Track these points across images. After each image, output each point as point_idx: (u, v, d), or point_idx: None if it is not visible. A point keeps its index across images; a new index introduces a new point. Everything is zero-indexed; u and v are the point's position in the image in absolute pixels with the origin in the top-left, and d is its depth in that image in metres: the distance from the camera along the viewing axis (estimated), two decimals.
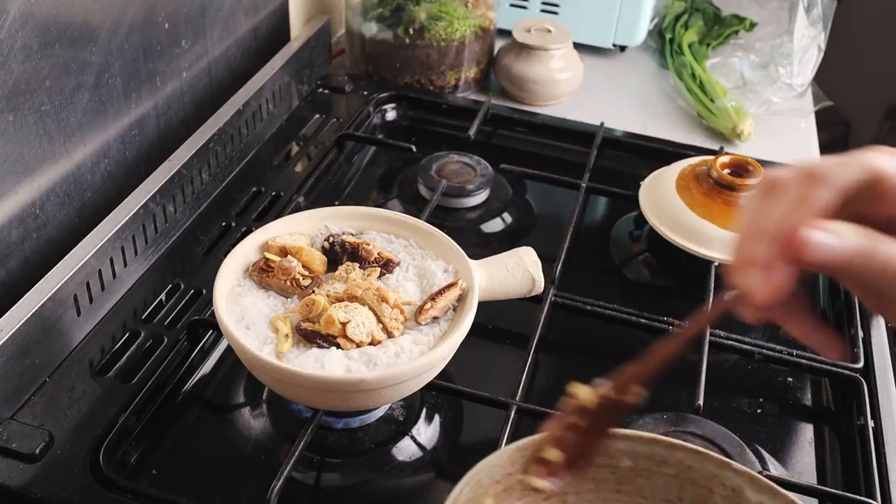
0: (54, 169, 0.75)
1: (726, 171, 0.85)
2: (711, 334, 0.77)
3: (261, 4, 1.05)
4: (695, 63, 1.22)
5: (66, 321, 0.71)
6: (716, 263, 0.84)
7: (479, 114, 1.06)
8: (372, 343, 0.64)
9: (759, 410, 0.76)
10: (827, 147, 1.37)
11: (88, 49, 0.76)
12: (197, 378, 0.74)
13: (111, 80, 0.80)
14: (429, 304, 0.66)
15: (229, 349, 0.75)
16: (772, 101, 1.18)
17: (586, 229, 0.97)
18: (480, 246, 0.92)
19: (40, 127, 0.72)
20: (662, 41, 1.32)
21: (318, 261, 0.71)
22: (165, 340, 0.74)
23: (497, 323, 0.81)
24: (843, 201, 0.39)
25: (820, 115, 1.22)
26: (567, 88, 1.19)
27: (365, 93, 1.12)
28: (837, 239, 0.38)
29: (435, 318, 0.66)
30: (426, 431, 0.71)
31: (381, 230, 0.75)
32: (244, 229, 0.88)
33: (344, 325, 0.63)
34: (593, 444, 0.53)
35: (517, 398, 0.70)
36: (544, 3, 1.29)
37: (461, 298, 0.68)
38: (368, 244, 0.71)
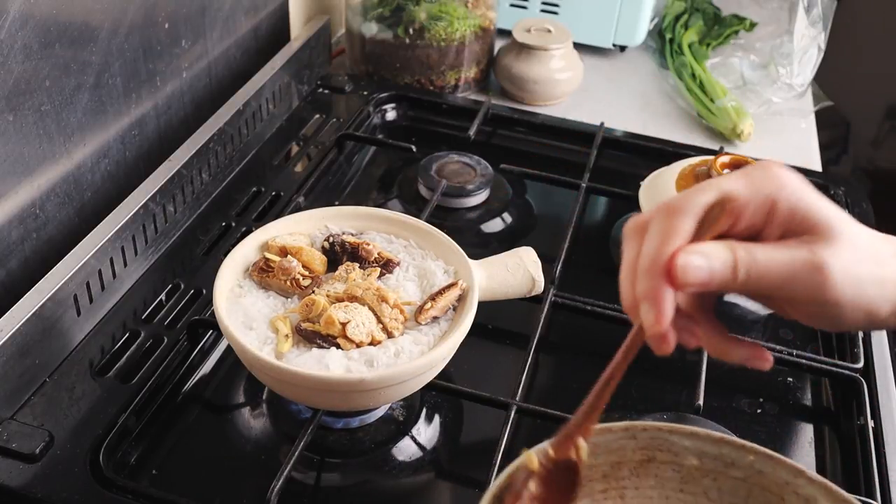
0: (54, 169, 0.75)
1: (726, 171, 0.85)
2: None
3: (261, 4, 1.05)
4: (695, 63, 1.22)
5: (66, 321, 0.71)
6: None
7: (479, 114, 1.06)
8: (372, 343, 0.64)
9: (759, 410, 0.76)
10: (827, 147, 1.37)
11: (88, 49, 0.76)
12: (197, 378, 0.74)
13: (111, 80, 0.80)
14: (429, 304, 0.66)
15: (229, 349, 0.75)
16: (772, 101, 1.18)
17: (586, 229, 0.97)
18: (480, 246, 0.92)
19: (40, 127, 0.72)
20: (662, 41, 1.32)
21: (318, 261, 0.71)
22: (165, 340, 0.74)
23: (497, 323, 0.81)
24: (705, 223, 0.44)
25: (820, 115, 1.22)
26: (567, 88, 1.19)
27: (365, 93, 1.12)
28: (705, 257, 0.43)
29: (435, 318, 0.66)
30: (426, 431, 0.71)
31: (381, 230, 0.75)
32: (244, 229, 0.88)
33: (344, 325, 0.63)
34: None
35: (517, 398, 0.70)
36: (544, 3, 1.29)
37: (461, 298, 0.68)
38: (368, 244, 0.71)
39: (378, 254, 0.71)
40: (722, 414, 0.74)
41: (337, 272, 0.69)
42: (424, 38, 1.12)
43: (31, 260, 0.74)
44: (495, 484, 0.49)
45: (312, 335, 0.64)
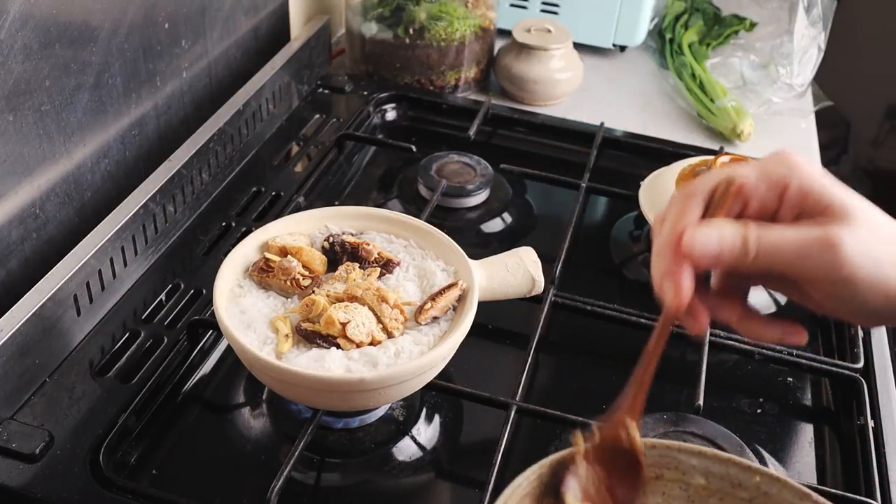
0: (54, 169, 0.75)
1: None
2: (711, 334, 0.77)
3: (261, 4, 1.05)
4: (695, 63, 1.22)
5: (66, 321, 0.71)
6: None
7: (479, 114, 1.06)
8: (372, 343, 0.64)
9: (759, 410, 0.76)
10: (827, 147, 1.37)
11: (88, 49, 0.76)
12: (197, 378, 0.74)
13: (111, 80, 0.80)
14: (429, 304, 0.66)
15: (229, 349, 0.75)
16: (772, 101, 1.18)
17: (586, 229, 0.97)
18: (480, 246, 0.92)
19: (40, 127, 0.72)
20: (662, 41, 1.32)
21: (318, 261, 0.71)
22: (165, 340, 0.74)
23: (497, 323, 0.81)
24: (713, 204, 0.46)
25: (820, 115, 1.22)
26: (567, 88, 1.19)
27: (365, 93, 1.12)
28: (713, 230, 0.44)
29: (435, 318, 0.66)
30: (426, 431, 0.71)
31: (381, 230, 0.75)
32: (244, 229, 0.88)
33: (344, 325, 0.63)
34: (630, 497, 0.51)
35: (517, 398, 0.70)
36: (544, 3, 1.29)
37: (461, 298, 0.68)
38: (368, 244, 0.71)
39: (378, 254, 0.71)
40: (722, 414, 0.74)
41: (337, 272, 0.69)
42: (424, 38, 1.12)
43: (31, 260, 0.74)
44: (547, 460, 0.50)
45: (312, 335, 0.64)
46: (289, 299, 0.68)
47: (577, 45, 1.22)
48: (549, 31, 1.17)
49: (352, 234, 0.73)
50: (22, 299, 0.68)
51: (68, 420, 0.66)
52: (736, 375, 0.79)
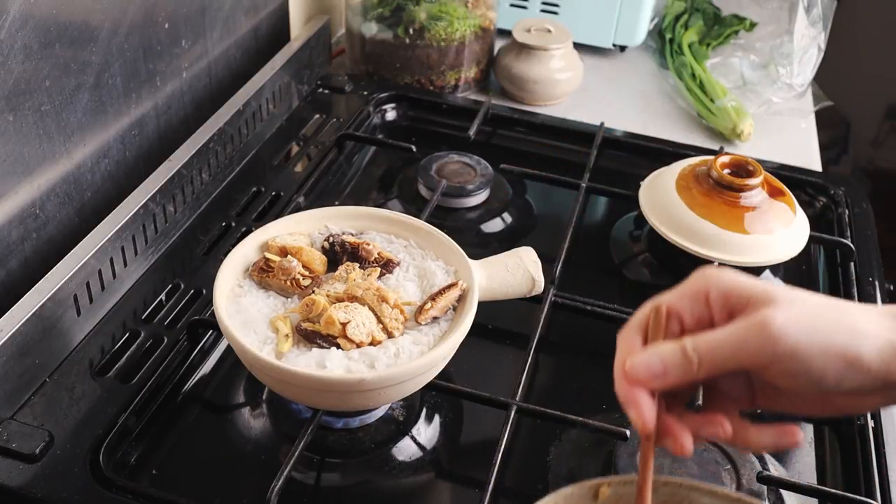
0: (54, 169, 0.75)
1: (726, 171, 0.85)
2: None
3: (261, 4, 1.05)
4: (695, 63, 1.22)
5: (66, 321, 0.71)
6: (716, 263, 0.84)
7: (479, 114, 1.06)
8: (372, 343, 0.64)
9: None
10: (827, 147, 1.37)
11: (88, 49, 0.76)
12: (197, 378, 0.74)
13: (111, 80, 0.80)
14: (429, 304, 0.66)
15: (229, 349, 0.75)
16: (772, 101, 1.18)
17: (586, 229, 0.97)
18: (480, 246, 0.92)
19: (40, 127, 0.72)
20: (662, 41, 1.32)
21: (318, 261, 0.71)
22: (165, 340, 0.74)
23: (497, 323, 0.81)
24: (650, 332, 0.48)
25: (820, 115, 1.22)
26: (567, 88, 1.19)
27: (365, 93, 1.12)
28: (653, 351, 0.47)
29: (435, 318, 0.66)
30: (426, 431, 0.71)
31: (381, 230, 0.75)
32: (244, 229, 0.88)
33: (344, 325, 0.63)
34: None
35: (517, 398, 0.70)
36: (544, 3, 1.29)
37: (461, 298, 0.68)
38: (368, 244, 0.71)
39: (378, 254, 0.71)
40: None
41: (337, 272, 0.69)
42: (424, 38, 1.12)
43: (31, 260, 0.74)
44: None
45: (312, 335, 0.64)
46: (289, 299, 0.68)
47: (577, 45, 1.22)
48: (549, 31, 1.17)
49: (352, 234, 0.73)
50: (22, 299, 0.68)
51: (68, 420, 0.66)
52: None
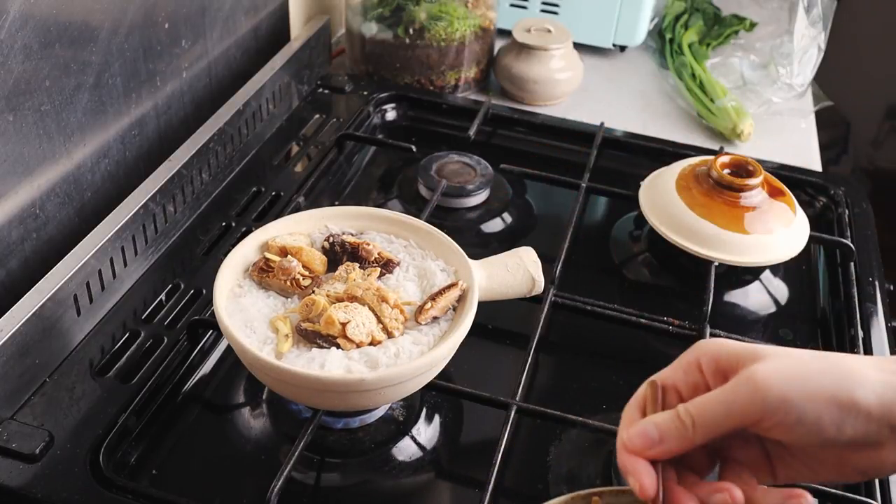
0: (54, 169, 0.75)
1: (726, 171, 0.85)
2: (712, 334, 0.77)
3: (261, 4, 1.05)
4: (695, 63, 1.22)
5: (66, 321, 0.71)
6: (716, 263, 0.84)
7: (479, 114, 1.06)
8: (372, 343, 0.64)
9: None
10: (827, 147, 1.37)
11: (88, 49, 0.76)
12: (197, 378, 0.74)
13: (111, 80, 0.80)
14: (429, 304, 0.66)
15: (229, 349, 0.75)
16: (772, 101, 1.18)
17: (586, 229, 0.97)
18: (480, 246, 0.92)
19: (40, 127, 0.72)
20: (662, 41, 1.32)
21: (318, 261, 0.71)
22: (165, 340, 0.74)
23: (497, 323, 0.81)
24: (647, 406, 0.49)
25: (820, 115, 1.22)
26: (567, 88, 1.19)
27: (365, 93, 1.12)
28: (648, 421, 0.48)
29: (435, 318, 0.66)
30: (426, 431, 0.71)
31: (381, 230, 0.75)
32: (244, 229, 0.88)
33: (344, 325, 0.63)
34: None
35: (517, 398, 0.70)
36: (544, 3, 1.29)
37: (461, 298, 0.68)
38: (368, 244, 0.71)
39: (378, 254, 0.71)
40: None
41: (337, 272, 0.69)
42: (424, 38, 1.12)
43: (31, 260, 0.74)
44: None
45: (312, 335, 0.64)
46: (289, 299, 0.68)
47: (577, 45, 1.22)
48: (549, 31, 1.17)
49: (352, 234, 0.73)
50: (22, 299, 0.68)
51: (68, 420, 0.66)
52: None
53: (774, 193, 0.87)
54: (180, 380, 0.72)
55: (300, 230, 0.74)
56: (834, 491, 0.66)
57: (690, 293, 0.86)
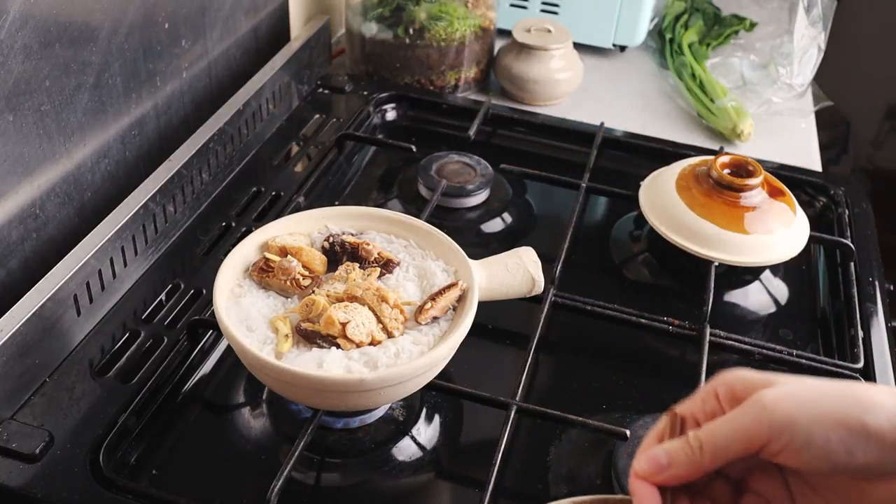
0: (54, 169, 0.75)
1: (726, 171, 0.85)
2: (711, 334, 0.77)
3: (261, 4, 1.05)
4: (695, 63, 1.22)
5: (66, 321, 0.71)
6: (716, 263, 0.84)
7: (479, 114, 1.06)
8: (372, 343, 0.64)
9: None
10: (827, 147, 1.37)
11: (88, 49, 0.76)
12: (197, 378, 0.74)
13: (111, 80, 0.80)
14: (429, 304, 0.66)
15: (229, 349, 0.75)
16: (772, 101, 1.18)
17: (586, 229, 0.97)
18: (480, 246, 0.92)
19: (40, 127, 0.72)
20: (662, 41, 1.32)
21: (318, 261, 0.71)
22: (165, 340, 0.74)
23: (497, 323, 0.81)
24: (665, 435, 0.49)
25: (820, 115, 1.22)
26: (567, 88, 1.19)
27: (365, 93, 1.12)
28: (659, 447, 0.48)
29: (435, 318, 0.66)
30: (426, 431, 0.71)
31: (381, 230, 0.75)
32: (244, 229, 0.88)
33: (344, 325, 0.63)
34: None
35: (517, 398, 0.70)
36: (544, 3, 1.29)
37: (461, 298, 0.68)
38: (368, 244, 0.71)
39: (378, 254, 0.71)
40: None
41: (337, 272, 0.69)
42: (424, 38, 1.12)
43: (31, 260, 0.74)
44: None
45: (312, 335, 0.64)
46: (289, 299, 0.68)
47: (577, 45, 1.22)
48: (549, 31, 1.17)
49: (352, 234, 0.73)
50: (22, 299, 0.68)
51: (68, 420, 0.66)
52: None
53: (774, 193, 0.87)
54: (180, 380, 0.72)
55: (300, 230, 0.74)
56: None
57: (690, 293, 0.86)
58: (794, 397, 0.44)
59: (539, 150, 1.09)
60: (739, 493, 0.50)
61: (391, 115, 1.13)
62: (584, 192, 0.95)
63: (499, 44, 1.21)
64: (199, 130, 0.90)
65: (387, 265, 0.70)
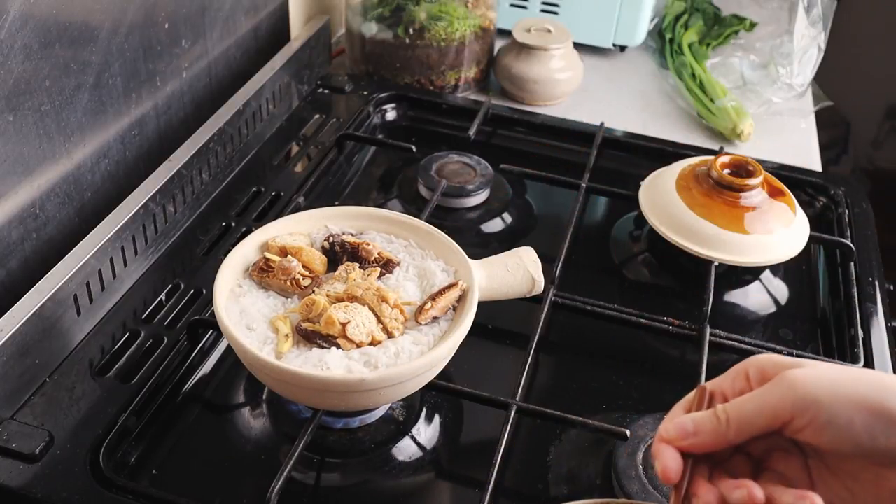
0: (54, 169, 0.75)
1: (726, 171, 0.85)
2: (711, 334, 0.77)
3: (261, 4, 1.05)
4: (695, 63, 1.22)
5: (66, 321, 0.71)
6: (716, 263, 0.84)
7: (479, 114, 1.06)
8: (372, 343, 0.64)
9: None
10: (827, 147, 1.37)
11: (88, 49, 0.76)
12: (197, 378, 0.74)
13: (111, 80, 0.80)
14: (429, 304, 0.66)
15: (229, 349, 0.75)
16: (772, 101, 1.18)
17: (586, 229, 0.97)
18: (480, 246, 0.92)
19: (40, 127, 0.72)
20: (662, 41, 1.32)
21: (318, 261, 0.71)
22: (165, 340, 0.74)
23: (497, 323, 0.81)
24: (692, 408, 0.50)
25: (820, 115, 1.22)
26: (567, 88, 1.19)
27: (365, 93, 1.12)
28: (687, 416, 0.49)
29: (435, 318, 0.66)
30: (426, 431, 0.71)
31: (381, 230, 0.75)
32: (244, 229, 0.88)
33: (344, 325, 0.63)
34: None
35: (517, 398, 0.70)
36: (544, 3, 1.29)
37: (461, 298, 0.68)
38: (368, 244, 0.71)
39: (378, 254, 0.71)
40: None
41: (337, 272, 0.69)
42: (424, 38, 1.12)
43: (31, 260, 0.74)
44: None
45: (312, 335, 0.64)
46: (289, 299, 0.68)
47: (577, 45, 1.22)
48: (549, 31, 1.17)
49: (352, 234, 0.73)
50: (22, 299, 0.68)
51: (68, 420, 0.66)
52: None
53: (774, 193, 0.87)
54: (180, 380, 0.72)
55: (300, 230, 0.74)
56: None
57: (690, 293, 0.86)
58: (820, 377, 0.46)
59: (539, 150, 1.09)
60: (759, 471, 0.50)
61: (391, 115, 1.13)
62: (584, 192, 0.95)
63: (499, 44, 1.21)
64: (199, 130, 0.90)
65: (387, 265, 0.70)
